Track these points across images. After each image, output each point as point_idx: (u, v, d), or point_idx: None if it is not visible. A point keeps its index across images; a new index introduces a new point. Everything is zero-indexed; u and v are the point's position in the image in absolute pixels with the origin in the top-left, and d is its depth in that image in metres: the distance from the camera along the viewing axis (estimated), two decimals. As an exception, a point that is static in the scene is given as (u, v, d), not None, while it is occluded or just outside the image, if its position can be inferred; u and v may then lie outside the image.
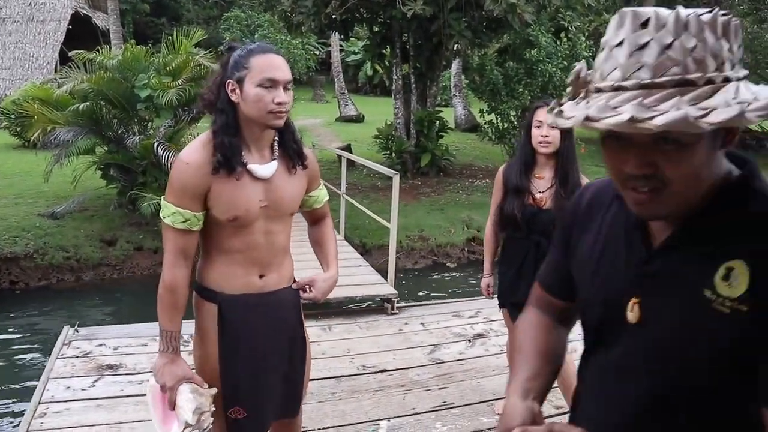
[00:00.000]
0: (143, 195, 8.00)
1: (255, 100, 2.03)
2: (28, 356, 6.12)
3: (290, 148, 2.23)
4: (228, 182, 2.08)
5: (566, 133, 3.08)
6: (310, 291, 2.34)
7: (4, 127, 15.11)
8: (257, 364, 2.24)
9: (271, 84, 2.03)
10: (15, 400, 5.24)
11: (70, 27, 22.31)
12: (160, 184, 8.24)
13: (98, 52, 8.57)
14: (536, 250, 3.17)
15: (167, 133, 8.26)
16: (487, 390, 4.12)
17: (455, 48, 12.87)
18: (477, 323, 5.45)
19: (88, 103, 8.09)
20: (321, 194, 2.49)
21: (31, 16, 22.06)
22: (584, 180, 3.13)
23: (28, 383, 5.45)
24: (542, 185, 3.20)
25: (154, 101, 7.89)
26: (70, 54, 8.93)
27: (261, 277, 2.23)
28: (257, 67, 2.03)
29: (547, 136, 3.08)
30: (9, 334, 6.67)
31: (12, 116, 13.92)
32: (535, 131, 3.13)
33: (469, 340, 5.04)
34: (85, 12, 23.33)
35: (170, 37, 8.81)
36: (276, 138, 2.20)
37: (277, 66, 2.06)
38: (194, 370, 2.19)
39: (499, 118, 11.78)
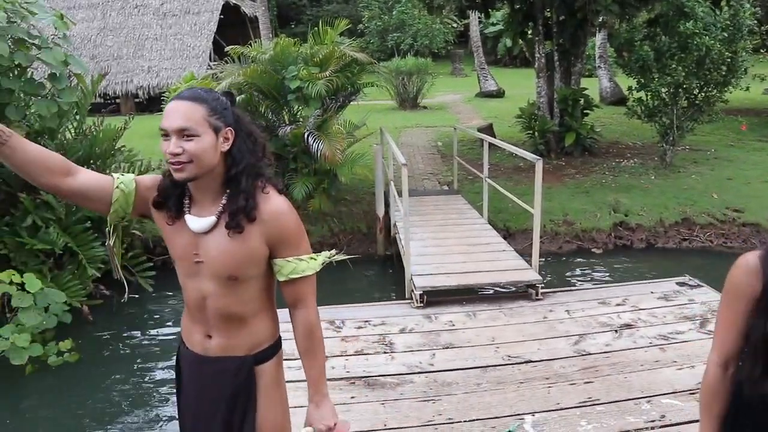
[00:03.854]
0: (294, 180, 8.43)
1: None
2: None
3: (234, 205, 1.94)
4: (167, 221, 2.03)
5: None
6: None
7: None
8: (189, 424, 2.19)
9: (164, 134, 1.86)
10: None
11: (222, 16, 23.75)
12: (310, 170, 8.68)
13: (251, 46, 9.03)
14: None
15: (316, 122, 8.61)
16: (635, 387, 4.00)
17: (602, 21, 12.37)
18: (624, 312, 5.34)
19: (243, 96, 8.58)
20: (289, 267, 2.01)
21: (187, 9, 23.71)
22: None
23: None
24: None
25: (304, 92, 8.22)
26: (226, 49, 9.47)
27: (209, 337, 2.07)
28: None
29: None
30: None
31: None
32: None
33: (616, 331, 4.94)
34: (234, 1, 24.62)
35: (316, 29, 9.12)
36: (227, 192, 1.97)
37: (167, 114, 1.86)
38: None
39: (649, 96, 11.04)
